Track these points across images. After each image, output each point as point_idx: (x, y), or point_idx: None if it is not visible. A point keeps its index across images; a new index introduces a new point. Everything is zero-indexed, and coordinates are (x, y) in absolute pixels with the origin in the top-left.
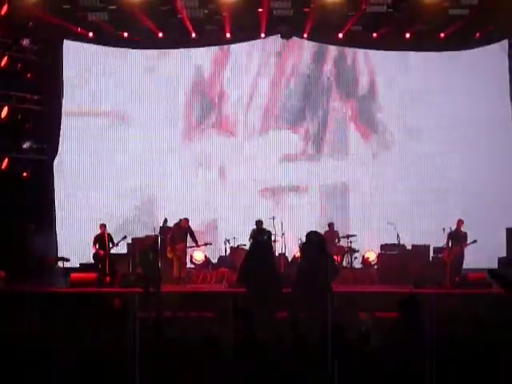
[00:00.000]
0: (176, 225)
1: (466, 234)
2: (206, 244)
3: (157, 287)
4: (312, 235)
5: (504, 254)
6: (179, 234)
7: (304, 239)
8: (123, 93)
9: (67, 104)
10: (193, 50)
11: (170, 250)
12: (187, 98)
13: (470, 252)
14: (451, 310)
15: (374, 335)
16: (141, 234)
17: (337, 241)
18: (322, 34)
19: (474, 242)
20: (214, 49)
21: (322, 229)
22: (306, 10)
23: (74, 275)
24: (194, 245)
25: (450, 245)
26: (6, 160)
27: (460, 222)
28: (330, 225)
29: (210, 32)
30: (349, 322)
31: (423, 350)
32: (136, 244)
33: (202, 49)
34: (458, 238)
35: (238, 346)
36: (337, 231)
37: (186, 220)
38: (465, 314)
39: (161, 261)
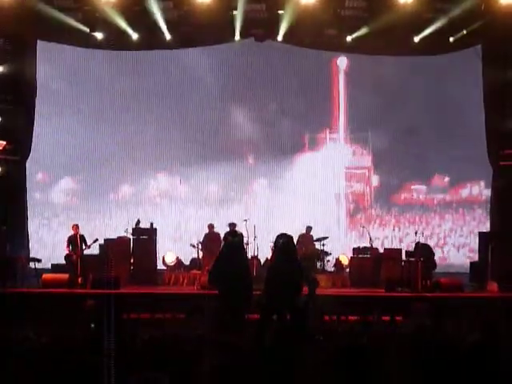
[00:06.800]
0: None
1: (312, 237)
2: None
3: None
4: (279, 237)
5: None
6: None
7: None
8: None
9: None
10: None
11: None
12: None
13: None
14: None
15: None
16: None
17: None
18: (297, 36)
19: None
20: None
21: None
22: (281, 12)
23: (46, 276)
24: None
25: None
26: None
27: (308, 229)
28: (308, 228)
29: (184, 34)
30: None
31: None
32: (108, 245)
33: None
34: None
35: (209, 347)
36: (312, 235)
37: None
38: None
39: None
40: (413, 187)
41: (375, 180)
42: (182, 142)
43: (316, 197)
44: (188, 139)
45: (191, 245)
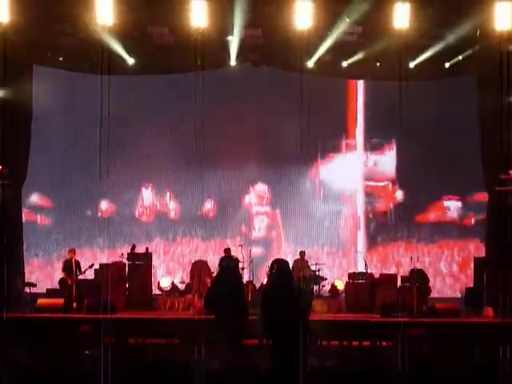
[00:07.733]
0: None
1: (307, 262)
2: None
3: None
4: (275, 262)
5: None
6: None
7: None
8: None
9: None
10: None
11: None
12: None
13: None
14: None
15: None
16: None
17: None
18: (292, 62)
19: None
20: None
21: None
22: (277, 38)
23: (41, 301)
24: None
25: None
26: None
27: (302, 253)
28: (301, 253)
29: (179, 59)
30: None
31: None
32: (103, 270)
33: None
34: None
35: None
36: (307, 260)
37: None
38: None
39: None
40: (445, 204)
41: (399, 194)
42: (177, 155)
43: (329, 214)
44: (183, 152)
45: (180, 282)
